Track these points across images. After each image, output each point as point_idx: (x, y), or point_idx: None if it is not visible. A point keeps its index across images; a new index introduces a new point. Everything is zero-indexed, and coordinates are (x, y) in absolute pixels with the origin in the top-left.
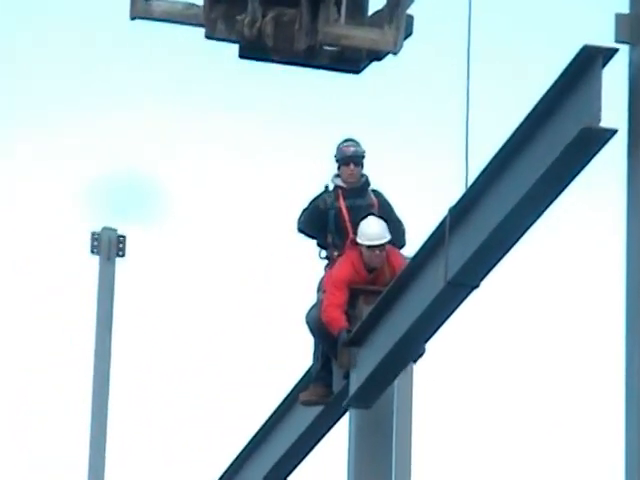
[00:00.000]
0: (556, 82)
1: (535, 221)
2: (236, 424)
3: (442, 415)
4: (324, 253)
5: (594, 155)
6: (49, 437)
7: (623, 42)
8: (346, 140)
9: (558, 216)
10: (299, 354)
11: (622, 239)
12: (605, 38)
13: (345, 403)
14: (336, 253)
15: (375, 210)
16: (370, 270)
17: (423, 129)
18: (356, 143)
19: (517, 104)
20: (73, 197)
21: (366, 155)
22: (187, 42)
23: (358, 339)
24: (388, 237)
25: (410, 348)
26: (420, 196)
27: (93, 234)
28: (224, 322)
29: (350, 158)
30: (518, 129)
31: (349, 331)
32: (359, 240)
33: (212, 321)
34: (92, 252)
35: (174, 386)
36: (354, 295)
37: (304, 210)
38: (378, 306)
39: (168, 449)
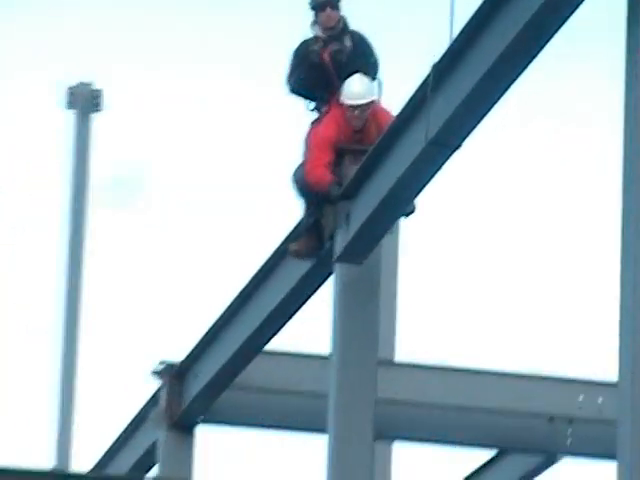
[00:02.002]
0: None
1: (517, 77)
2: (222, 280)
3: (429, 274)
4: (312, 105)
5: (577, 6)
6: None
7: None
8: None
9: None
10: (289, 210)
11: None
12: None
13: (335, 258)
14: (324, 108)
15: (350, 51)
16: (356, 130)
17: None
18: None
19: None
20: (49, 51)
21: None
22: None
23: (348, 194)
24: (371, 97)
25: (396, 206)
26: (405, 51)
27: (69, 88)
28: (202, 170)
29: (326, 2)
30: None
31: (339, 185)
32: (341, 99)
33: (199, 163)
34: (68, 107)
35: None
36: (340, 155)
37: (293, 67)
38: (365, 163)
39: (153, 304)
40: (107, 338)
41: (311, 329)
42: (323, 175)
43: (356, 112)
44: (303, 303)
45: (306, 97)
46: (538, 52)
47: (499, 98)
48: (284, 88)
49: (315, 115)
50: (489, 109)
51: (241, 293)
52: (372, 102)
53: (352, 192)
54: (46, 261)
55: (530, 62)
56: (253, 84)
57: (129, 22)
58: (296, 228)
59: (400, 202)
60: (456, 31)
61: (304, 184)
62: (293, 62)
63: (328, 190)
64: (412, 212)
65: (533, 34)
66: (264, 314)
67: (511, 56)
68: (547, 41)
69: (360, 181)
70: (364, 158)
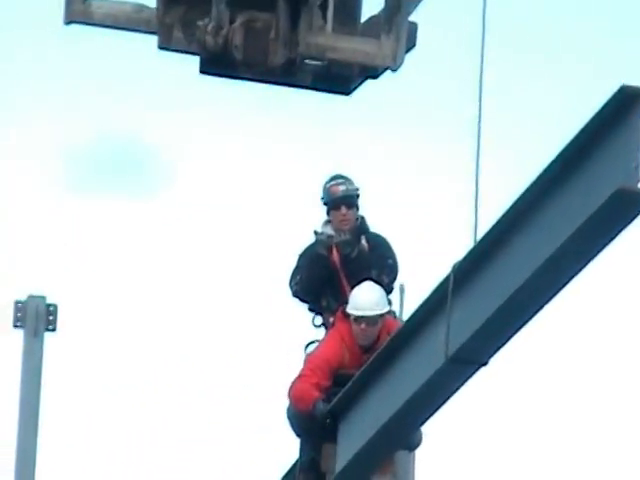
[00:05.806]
0: (585, 130)
1: (560, 289)
2: None
3: None
4: (319, 320)
5: (629, 222)
6: None
7: None
8: (333, 178)
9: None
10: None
11: None
12: None
13: None
14: (332, 320)
15: (366, 253)
16: (365, 349)
17: (426, 165)
18: (346, 180)
19: (539, 145)
20: None
21: (360, 193)
22: (135, 53)
23: (338, 413)
24: (381, 309)
25: (400, 431)
26: (420, 249)
27: (17, 303)
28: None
29: (341, 200)
30: (538, 180)
31: (326, 402)
32: (347, 309)
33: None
34: (15, 326)
35: None
36: (340, 384)
37: (297, 267)
38: (363, 374)
39: None
40: None
41: None
42: (308, 390)
43: (362, 325)
44: None
45: (309, 303)
46: (586, 263)
47: (541, 307)
48: (287, 290)
49: (322, 332)
50: (527, 321)
51: None
52: (382, 316)
53: (343, 412)
54: None
55: (574, 275)
56: None
57: None
58: (292, 469)
59: (404, 426)
60: (483, 229)
61: (290, 407)
62: (298, 262)
63: (313, 408)
64: (419, 444)
65: (575, 248)
66: None
67: (550, 268)
68: (594, 254)
69: (354, 398)
70: (364, 367)
